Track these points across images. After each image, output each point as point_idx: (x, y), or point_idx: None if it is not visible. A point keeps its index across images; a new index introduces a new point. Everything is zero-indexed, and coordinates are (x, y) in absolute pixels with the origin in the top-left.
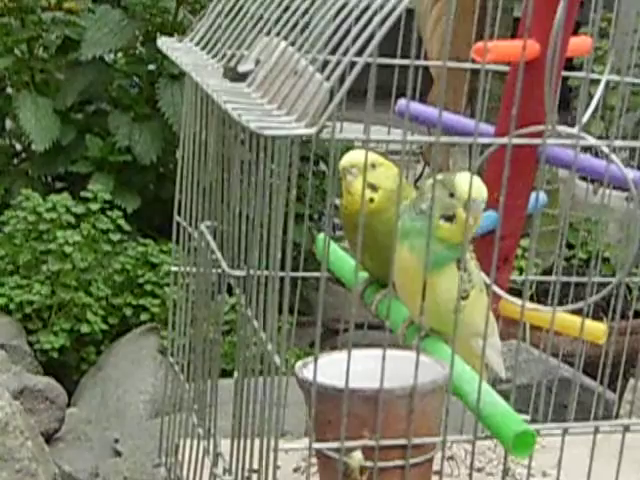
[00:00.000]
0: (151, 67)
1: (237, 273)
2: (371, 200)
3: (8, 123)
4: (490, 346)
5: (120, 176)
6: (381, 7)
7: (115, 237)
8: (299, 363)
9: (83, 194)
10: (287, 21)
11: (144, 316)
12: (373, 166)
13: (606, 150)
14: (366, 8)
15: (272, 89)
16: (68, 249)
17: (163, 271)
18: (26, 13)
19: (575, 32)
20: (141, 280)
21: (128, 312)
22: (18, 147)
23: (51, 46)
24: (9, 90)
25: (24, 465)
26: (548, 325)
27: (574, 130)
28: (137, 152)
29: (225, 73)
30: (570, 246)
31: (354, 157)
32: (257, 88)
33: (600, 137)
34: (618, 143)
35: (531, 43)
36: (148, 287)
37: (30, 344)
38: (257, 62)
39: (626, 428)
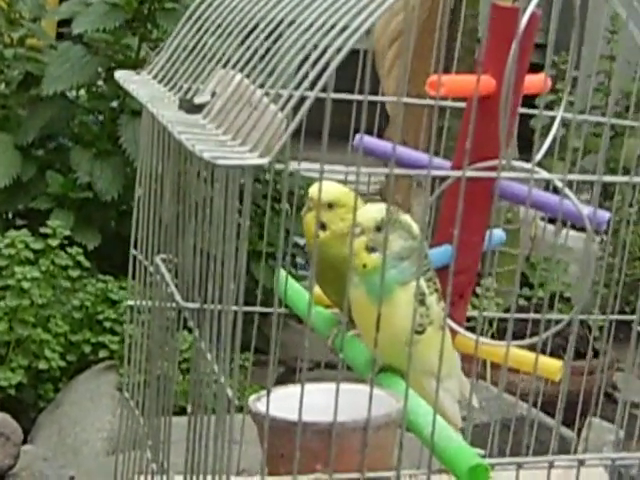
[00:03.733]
0: (113, 104)
1: (191, 306)
2: (317, 236)
3: None
4: (445, 390)
5: (81, 213)
6: (339, 49)
7: (74, 273)
8: (253, 397)
9: (42, 230)
10: (244, 55)
11: (103, 353)
12: (330, 206)
13: (559, 184)
14: (326, 47)
15: (227, 120)
16: (26, 285)
17: (123, 308)
18: None
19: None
20: (100, 317)
21: (87, 349)
22: None
23: (12, 82)
24: None
25: None
26: (503, 361)
27: (528, 165)
28: (98, 189)
29: (181, 105)
30: (531, 285)
31: (315, 190)
32: (212, 119)
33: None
34: (572, 177)
35: (486, 78)
36: (107, 324)
37: None
38: (213, 94)
39: (581, 462)
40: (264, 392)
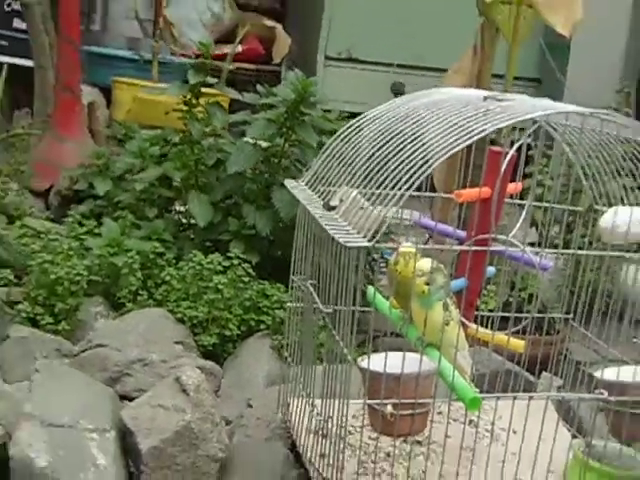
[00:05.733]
0: (267, 177)
1: (327, 310)
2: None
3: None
4: (462, 356)
5: (248, 242)
6: (426, 162)
7: (246, 279)
8: (359, 358)
9: (228, 254)
10: (358, 179)
11: (262, 326)
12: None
13: (521, 246)
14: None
15: (349, 217)
16: (219, 286)
17: (274, 300)
18: (194, 143)
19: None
20: (260, 305)
21: (253, 324)
22: (184, 221)
23: (208, 163)
24: (183, 190)
25: (207, 410)
26: (490, 341)
27: (507, 238)
28: (259, 228)
29: (323, 205)
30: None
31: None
32: (341, 216)
33: (532, 243)
34: (529, 249)
35: (486, 189)
36: (265, 309)
37: (195, 342)
38: (340, 200)
39: (531, 397)
40: (365, 356)
